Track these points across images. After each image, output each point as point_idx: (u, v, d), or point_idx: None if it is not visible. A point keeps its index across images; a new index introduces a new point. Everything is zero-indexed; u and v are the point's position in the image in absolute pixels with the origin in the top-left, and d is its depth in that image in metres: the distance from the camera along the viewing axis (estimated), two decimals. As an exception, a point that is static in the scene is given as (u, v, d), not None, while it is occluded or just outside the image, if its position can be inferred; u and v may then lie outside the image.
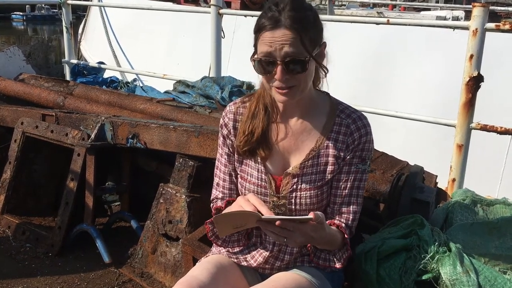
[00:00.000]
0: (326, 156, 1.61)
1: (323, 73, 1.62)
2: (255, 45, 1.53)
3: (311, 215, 1.38)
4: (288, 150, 1.64)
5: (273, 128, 1.65)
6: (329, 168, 1.61)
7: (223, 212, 1.53)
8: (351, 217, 1.64)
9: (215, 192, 1.78)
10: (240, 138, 1.66)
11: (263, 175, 1.65)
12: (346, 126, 1.60)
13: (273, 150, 1.64)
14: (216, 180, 1.78)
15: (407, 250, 1.76)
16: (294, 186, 1.62)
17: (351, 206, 1.64)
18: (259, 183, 1.65)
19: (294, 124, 1.64)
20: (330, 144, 1.61)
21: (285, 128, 1.64)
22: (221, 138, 1.74)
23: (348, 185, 1.63)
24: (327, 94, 1.68)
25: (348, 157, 1.61)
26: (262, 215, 1.40)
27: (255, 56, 1.51)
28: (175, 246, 2.58)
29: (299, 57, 1.46)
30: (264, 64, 1.48)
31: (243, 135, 1.65)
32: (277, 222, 1.37)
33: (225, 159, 1.74)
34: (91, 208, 2.89)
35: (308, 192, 1.62)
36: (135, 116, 3.21)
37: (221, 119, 1.74)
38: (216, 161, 1.78)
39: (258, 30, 1.50)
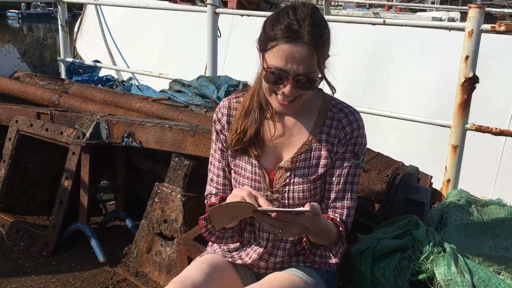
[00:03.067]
0: (318, 150, 1.62)
1: (331, 92, 1.62)
2: (264, 48, 1.49)
3: (307, 207, 1.38)
4: (281, 145, 1.65)
5: (266, 125, 1.65)
6: (322, 162, 1.62)
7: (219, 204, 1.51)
8: (345, 212, 1.64)
9: (209, 188, 1.78)
10: (232, 136, 1.66)
11: (257, 169, 1.65)
12: (338, 120, 1.61)
13: (266, 147, 1.65)
14: (210, 175, 1.78)
15: (402, 250, 1.76)
16: (287, 180, 1.62)
17: (345, 201, 1.64)
18: (253, 177, 1.66)
19: (287, 120, 1.65)
20: (322, 138, 1.61)
21: (279, 124, 1.65)
22: (215, 134, 1.74)
23: (342, 180, 1.63)
24: (320, 89, 1.67)
25: (340, 151, 1.61)
26: (259, 206, 1.40)
27: (267, 66, 1.48)
28: (170, 246, 2.58)
29: (312, 77, 1.47)
30: (274, 75, 1.47)
31: (235, 133, 1.65)
32: (273, 214, 1.36)
33: (218, 154, 1.74)
34: (85, 207, 2.88)
35: (301, 186, 1.62)
36: (130, 115, 3.20)
37: (215, 114, 1.73)
38: (210, 157, 1.78)
39: (274, 38, 1.45)
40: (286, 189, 1.63)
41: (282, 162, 1.63)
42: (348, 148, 1.61)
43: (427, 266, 1.69)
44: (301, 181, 1.62)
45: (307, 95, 1.54)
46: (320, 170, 1.62)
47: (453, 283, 1.62)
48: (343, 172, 1.62)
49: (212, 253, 1.76)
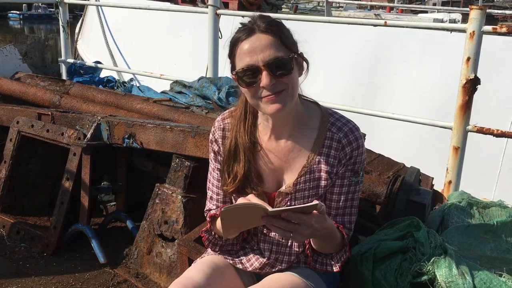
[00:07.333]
0: (318, 172, 1.59)
1: (305, 67, 1.56)
2: (233, 61, 1.50)
3: (315, 202, 1.36)
4: (280, 168, 1.62)
5: (260, 157, 1.62)
6: (322, 183, 1.60)
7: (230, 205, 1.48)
8: (346, 226, 1.64)
9: (209, 205, 1.78)
10: (226, 182, 1.63)
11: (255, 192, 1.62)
12: (338, 141, 1.57)
13: (264, 174, 1.62)
14: (209, 193, 1.77)
15: (403, 252, 1.76)
16: (288, 203, 1.61)
17: (346, 217, 1.64)
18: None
19: (284, 143, 1.61)
20: (322, 160, 1.58)
21: (276, 148, 1.61)
22: (212, 154, 1.72)
23: (342, 198, 1.62)
24: (317, 104, 1.65)
25: (340, 171, 1.59)
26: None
27: (236, 70, 1.47)
28: (171, 247, 2.58)
29: (282, 58, 1.43)
30: (247, 75, 1.45)
31: (228, 178, 1.62)
32: (283, 214, 1.34)
33: (217, 174, 1.72)
34: (86, 208, 2.88)
35: None
36: (131, 116, 3.20)
37: (211, 134, 1.71)
38: (209, 174, 1.76)
39: (234, 43, 1.48)
40: None
41: (284, 187, 1.61)
42: (348, 167, 1.59)
43: (428, 268, 1.68)
44: (302, 202, 1.60)
45: (292, 86, 1.47)
46: (321, 191, 1.61)
47: (454, 285, 1.62)
48: (343, 190, 1.61)
49: (213, 255, 1.76)
